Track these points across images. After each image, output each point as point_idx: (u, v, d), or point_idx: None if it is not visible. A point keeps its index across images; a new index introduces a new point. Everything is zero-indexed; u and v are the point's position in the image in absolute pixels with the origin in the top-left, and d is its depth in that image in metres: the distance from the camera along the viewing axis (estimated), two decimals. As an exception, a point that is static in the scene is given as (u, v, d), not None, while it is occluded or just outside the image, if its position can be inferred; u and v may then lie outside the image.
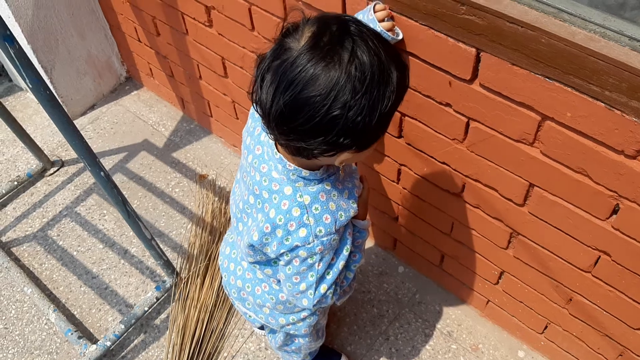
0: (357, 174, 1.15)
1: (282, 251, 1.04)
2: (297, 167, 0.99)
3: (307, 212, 1.00)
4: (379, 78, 0.81)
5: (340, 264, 1.08)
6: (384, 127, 0.89)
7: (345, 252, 1.08)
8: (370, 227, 1.20)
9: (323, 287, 1.09)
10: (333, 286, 1.11)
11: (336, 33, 0.81)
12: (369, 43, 0.81)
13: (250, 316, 1.37)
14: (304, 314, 1.29)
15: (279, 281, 1.21)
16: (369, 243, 1.99)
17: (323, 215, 1.01)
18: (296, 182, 1.01)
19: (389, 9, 1.15)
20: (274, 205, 1.02)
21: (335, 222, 1.02)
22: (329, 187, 1.03)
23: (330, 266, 1.08)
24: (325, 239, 1.02)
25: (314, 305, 1.12)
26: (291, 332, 1.34)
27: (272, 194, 1.02)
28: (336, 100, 0.80)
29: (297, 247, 1.02)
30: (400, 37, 1.17)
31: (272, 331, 1.49)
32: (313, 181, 1.01)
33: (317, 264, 1.05)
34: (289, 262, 1.07)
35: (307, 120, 0.82)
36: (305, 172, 1.00)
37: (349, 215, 1.05)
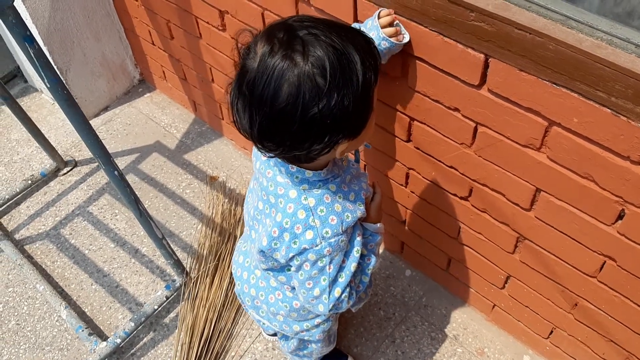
0: (365, 177, 1.16)
1: (290, 255, 1.04)
2: (299, 168, 1.00)
3: (312, 215, 1.01)
4: (339, 66, 0.82)
5: (351, 265, 1.08)
6: (367, 108, 0.91)
7: (355, 254, 1.08)
8: (383, 231, 1.20)
9: (337, 291, 1.09)
10: (347, 290, 1.10)
11: (284, 39, 0.83)
12: (320, 37, 0.83)
13: (263, 324, 1.38)
14: (318, 320, 1.29)
15: (292, 289, 1.21)
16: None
17: (329, 217, 1.02)
18: (301, 185, 1.02)
19: (395, 14, 1.18)
20: (280, 210, 1.03)
21: (342, 223, 1.03)
22: (334, 189, 1.04)
23: (341, 269, 1.08)
24: (332, 240, 1.02)
25: (329, 311, 1.11)
26: (305, 338, 1.35)
27: (278, 198, 1.03)
28: (306, 102, 0.82)
29: (305, 249, 1.03)
30: (407, 40, 1.18)
31: (285, 337, 1.50)
32: (317, 183, 1.02)
33: (327, 267, 1.05)
34: (299, 267, 1.07)
35: (289, 130, 0.85)
36: (308, 173, 1.01)
37: (355, 217, 1.06)
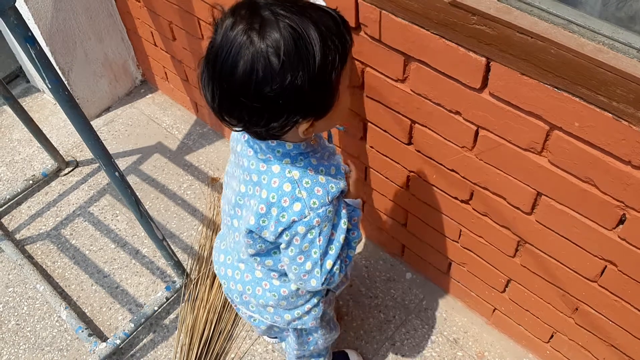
0: (340, 158, 1.18)
1: (280, 229, 1.04)
2: (279, 141, 1.01)
3: (298, 186, 1.02)
4: (294, 47, 0.83)
5: (340, 237, 1.09)
6: (328, 90, 0.91)
7: (343, 226, 1.09)
8: (361, 206, 1.22)
9: (328, 263, 1.09)
10: (338, 262, 1.11)
11: (245, 16, 0.85)
12: (280, 16, 0.84)
13: (255, 319, 1.37)
14: (308, 306, 1.29)
15: (280, 275, 1.22)
16: (377, 249, 2.00)
17: (314, 188, 1.03)
18: (283, 159, 1.03)
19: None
20: (265, 186, 1.04)
21: (328, 194, 1.04)
22: (315, 163, 1.05)
23: (331, 241, 1.08)
24: (320, 210, 1.03)
25: (322, 284, 1.12)
26: (299, 327, 1.35)
27: (261, 174, 1.04)
28: (259, 80, 0.84)
29: (294, 222, 1.03)
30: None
31: (283, 338, 1.50)
32: (298, 157, 1.03)
33: (317, 239, 1.06)
34: (289, 243, 1.07)
35: (245, 105, 0.88)
36: (289, 145, 1.02)
37: (339, 188, 1.06)
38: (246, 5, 0.87)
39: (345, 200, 1.16)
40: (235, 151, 1.13)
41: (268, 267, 1.22)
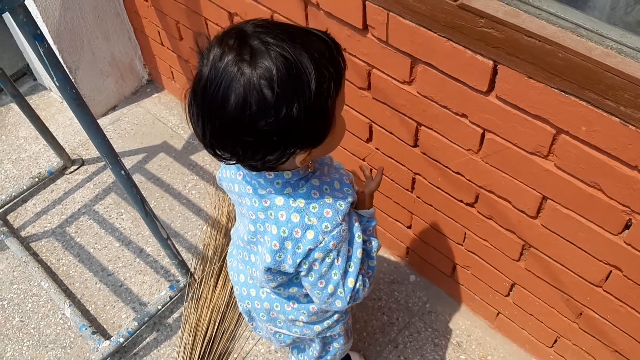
0: (340, 164, 1.14)
1: (298, 261, 1.01)
2: (276, 173, 0.97)
3: (306, 214, 0.98)
4: (287, 77, 0.78)
5: (357, 252, 1.05)
6: (325, 118, 0.86)
7: (358, 240, 1.06)
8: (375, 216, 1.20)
9: (350, 281, 1.06)
10: (360, 278, 1.08)
11: (234, 46, 0.80)
12: (271, 45, 0.79)
13: (280, 335, 1.34)
14: (337, 315, 1.27)
15: (305, 295, 1.19)
16: (381, 251, 2.00)
17: (323, 211, 0.99)
18: (284, 189, 0.99)
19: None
20: (274, 221, 1.00)
21: (338, 213, 1.00)
22: (317, 184, 1.01)
23: (349, 258, 1.05)
24: (334, 232, 0.99)
25: (348, 303, 1.09)
26: (327, 334, 1.33)
27: (266, 211, 1.01)
28: (253, 114, 0.79)
29: (310, 250, 1.00)
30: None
31: (302, 350, 1.47)
32: (299, 182, 0.99)
33: (336, 260, 1.03)
34: (309, 270, 1.04)
35: (239, 140, 0.83)
36: (287, 174, 0.97)
37: (348, 202, 1.02)
38: (234, 34, 0.81)
39: (360, 212, 1.13)
40: (234, 192, 1.08)
41: (292, 293, 1.20)
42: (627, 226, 1.13)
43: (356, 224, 1.06)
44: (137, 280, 2.02)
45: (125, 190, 1.54)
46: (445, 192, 1.50)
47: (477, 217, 1.47)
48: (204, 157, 2.38)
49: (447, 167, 1.42)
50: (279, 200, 0.99)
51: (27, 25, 1.17)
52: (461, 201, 1.47)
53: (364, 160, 1.69)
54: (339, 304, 1.09)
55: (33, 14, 2.07)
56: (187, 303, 1.90)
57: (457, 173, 1.41)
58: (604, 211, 1.13)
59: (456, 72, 1.19)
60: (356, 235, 1.05)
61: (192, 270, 1.96)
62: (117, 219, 2.20)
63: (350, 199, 1.03)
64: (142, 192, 1.58)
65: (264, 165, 0.90)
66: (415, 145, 1.46)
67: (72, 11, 2.18)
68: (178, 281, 1.93)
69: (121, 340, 1.80)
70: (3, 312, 1.97)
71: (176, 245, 1.84)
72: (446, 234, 1.63)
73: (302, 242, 0.99)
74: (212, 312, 1.85)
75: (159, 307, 1.88)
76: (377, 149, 1.60)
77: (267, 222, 1.01)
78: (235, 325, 1.86)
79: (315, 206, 0.99)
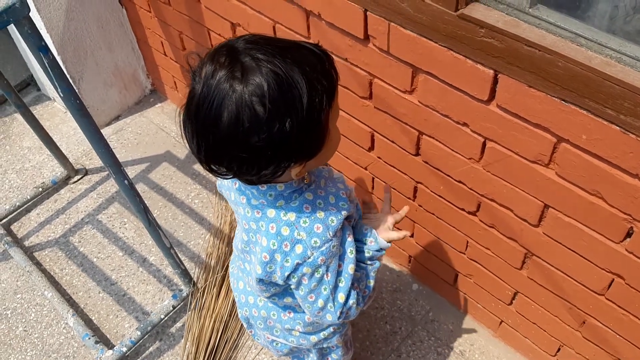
0: (341, 177, 1.13)
1: (286, 274, 1.01)
2: (269, 185, 0.97)
3: (296, 228, 0.98)
4: (279, 93, 0.78)
5: (348, 267, 1.05)
6: (318, 132, 0.86)
7: (350, 255, 1.05)
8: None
9: (340, 297, 1.06)
10: (353, 294, 1.07)
11: (226, 63, 0.80)
12: (261, 61, 0.79)
13: (277, 344, 1.34)
14: (334, 327, 1.27)
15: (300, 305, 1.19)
16: (384, 260, 2.00)
17: (314, 226, 0.98)
18: (276, 202, 0.99)
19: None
20: (264, 233, 1.00)
21: (329, 229, 0.99)
22: (311, 198, 1.01)
23: (339, 273, 1.04)
24: (324, 248, 0.99)
25: (338, 318, 1.09)
26: (324, 345, 1.33)
27: (258, 222, 1.01)
28: (246, 130, 0.80)
29: (298, 265, 0.99)
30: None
31: (300, 358, 1.47)
32: (293, 195, 0.99)
33: (325, 275, 1.02)
34: (298, 284, 1.04)
35: (233, 156, 0.84)
36: (280, 187, 0.97)
37: (340, 218, 1.02)
38: (225, 51, 0.82)
39: (368, 247, 1.12)
40: (231, 200, 1.09)
41: (287, 303, 1.20)
42: (628, 234, 1.13)
43: (349, 239, 1.05)
44: (140, 289, 2.02)
45: (128, 200, 1.55)
46: (447, 201, 1.50)
47: (479, 225, 1.47)
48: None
49: (448, 175, 1.42)
50: (271, 212, 0.99)
51: (32, 37, 1.18)
52: (463, 210, 1.47)
53: (365, 169, 1.70)
54: (329, 318, 1.09)
55: (37, 25, 2.09)
56: (190, 312, 1.90)
57: (459, 182, 1.41)
58: (606, 219, 1.14)
59: (457, 82, 1.19)
60: (348, 250, 1.05)
61: (195, 279, 1.97)
62: (120, 228, 2.20)
63: (344, 213, 1.03)
64: (145, 202, 1.59)
65: (259, 180, 0.90)
66: (417, 154, 1.47)
67: (76, 22, 2.20)
68: (181, 290, 1.93)
69: (124, 349, 1.80)
70: (7, 321, 1.97)
71: (179, 255, 1.85)
72: (448, 242, 1.64)
73: (291, 255, 0.99)
74: (214, 321, 1.85)
75: (162, 316, 1.88)
76: (379, 157, 1.61)
77: (258, 233, 1.02)
78: (238, 335, 1.86)
79: (306, 220, 0.99)
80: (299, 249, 0.98)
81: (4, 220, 2.25)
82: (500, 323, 1.72)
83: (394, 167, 1.58)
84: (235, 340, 1.85)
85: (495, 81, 1.12)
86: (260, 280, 1.06)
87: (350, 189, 1.14)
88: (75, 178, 2.38)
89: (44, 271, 2.09)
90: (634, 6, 0.95)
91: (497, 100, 1.15)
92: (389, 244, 1.15)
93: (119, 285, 2.03)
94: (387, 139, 1.51)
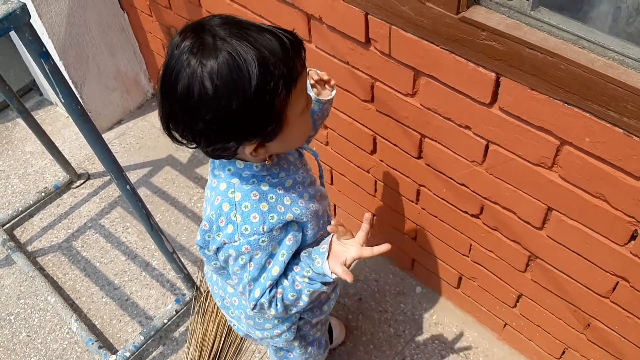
0: (317, 193, 1.11)
1: (214, 247, 1.03)
2: (230, 160, 1.00)
3: (235, 209, 0.99)
4: (228, 72, 0.82)
5: (273, 269, 1.02)
6: (268, 114, 0.88)
7: (280, 258, 1.03)
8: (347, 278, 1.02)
9: (256, 292, 1.04)
10: (267, 295, 1.04)
11: (189, 37, 0.86)
12: (220, 40, 0.83)
13: (234, 325, 1.35)
14: (277, 331, 1.26)
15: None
16: (387, 263, 1.99)
17: (251, 214, 0.99)
18: (232, 178, 1.01)
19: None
20: (210, 203, 1.04)
21: (264, 223, 0.99)
22: (266, 189, 1.01)
23: (264, 269, 1.03)
24: (251, 238, 0.99)
25: (252, 309, 1.07)
26: (272, 344, 1.33)
27: (212, 191, 1.05)
28: (194, 103, 0.85)
29: (225, 243, 1.01)
30: (331, 97, 1.20)
31: (272, 349, 1.47)
32: (250, 179, 1.00)
33: (248, 265, 1.02)
34: (226, 262, 1.05)
35: (186, 126, 0.89)
36: (239, 164, 1.00)
37: (282, 220, 1.01)
38: (192, 27, 0.88)
39: (318, 271, 1.03)
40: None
41: (231, 285, 1.20)
42: (633, 237, 1.12)
43: (288, 243, 1.03)
44: (143, 294, 2.02)
45: (130, 204, 1.55)
46: (450, 204, 1.50)
47: (482, 228, 1.46)
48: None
49: (451, 178, 1.42)
50: (223, 185, 1.03)
51: (33, 43, 1.18)
52: (466, 212, 1.47)
53: (368, 172, 1.69)
54: (250, 306, 1.08)
55: (39, 30, 2.09)
56: (193, 317, 1.90)
57: (462, 184, 1.41)
58: (610, 222, 1.13)
59: (459, 85, 1.19)
60: (280, 252, 1.03)
61: (198, 283, 1.96)
62: (122, 233, 2.20)
63: (289, 217, 1.02)
64: (148, 206, 1.59)
65: (214, 153, 0.95)
66: (420, 157, 1.46)
67: (77, 27, 2.20)
68: (184, 295, 1.93)
69: (127, 354, 1.80)
70: (10, 327, 1.97)
71: (182, 259, 1.85)
72: (452, 245, 1.63)
73: (222, 232, 1.01)
74: (218, 325, 1.85)
75: (165, 321, 1.88)
76: (381, 160, 1.60)
77: (208, 201, 1.06)
78: (241, 339, 1.86)
79: (247, 205, 1.00)
80: (229, 229, 1.00)
81: (7, 226, 2.25)
82: (505, 326, 1.72)
83: (397, 170, 1.58)
84: (239, 345, 1.85)
85: (497, 84, 1.11)
86: (201, 249, 1.10)
87: (323, 200, 1.15)
88: (78, 183, 2.38)
89: (47, 276, 2.09)
90: (637, 7, 0.94)
91: (500, 103, 1.14)
92: (331, 277, 1.03)
93: (122, 290, 2.03)
94: (390, 142, 1.51)
